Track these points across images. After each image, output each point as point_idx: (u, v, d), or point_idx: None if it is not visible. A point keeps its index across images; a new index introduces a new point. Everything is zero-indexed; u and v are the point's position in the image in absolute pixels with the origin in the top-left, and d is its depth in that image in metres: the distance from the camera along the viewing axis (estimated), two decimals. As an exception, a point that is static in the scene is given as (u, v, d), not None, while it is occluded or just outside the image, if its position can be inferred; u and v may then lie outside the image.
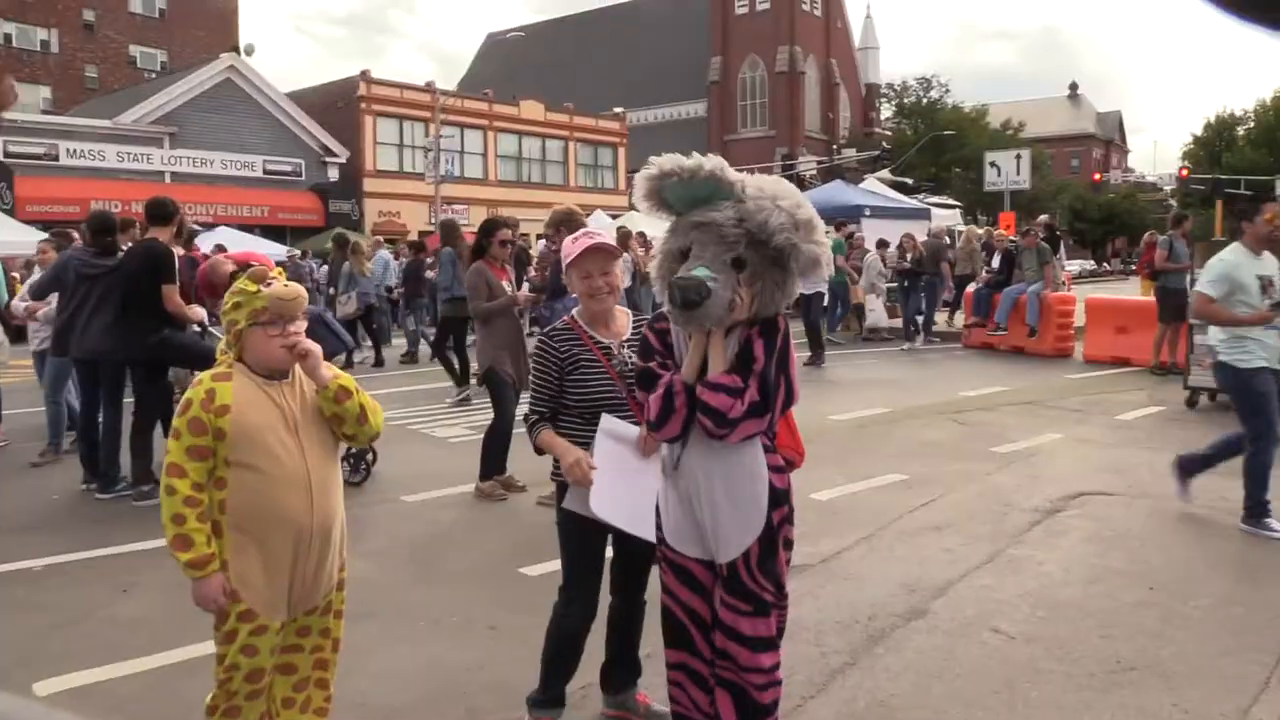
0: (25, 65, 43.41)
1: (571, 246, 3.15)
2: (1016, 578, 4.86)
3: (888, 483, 6.82)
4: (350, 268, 13.56)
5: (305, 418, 2.72)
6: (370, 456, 7.08)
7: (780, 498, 2.72)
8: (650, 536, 3.15)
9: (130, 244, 8.17)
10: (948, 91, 62.42)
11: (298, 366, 2.75)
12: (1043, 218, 17.56)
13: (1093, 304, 14.49)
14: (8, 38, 42.76)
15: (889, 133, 62.81)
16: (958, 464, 7.38)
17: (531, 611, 4.53)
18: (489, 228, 6.85)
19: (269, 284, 2.68)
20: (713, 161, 2.59)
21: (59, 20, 44.44)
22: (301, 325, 2.72)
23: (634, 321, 3.28)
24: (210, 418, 2.60)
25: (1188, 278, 11.31)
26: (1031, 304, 14.36)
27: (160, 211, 6.80)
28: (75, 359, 7.16)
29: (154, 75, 41.60)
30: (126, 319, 6.58)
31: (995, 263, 15.64)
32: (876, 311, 17.65)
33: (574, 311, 3.30)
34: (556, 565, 4.99)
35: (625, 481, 3.14)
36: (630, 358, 3.15)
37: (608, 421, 3.13)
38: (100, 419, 6.99)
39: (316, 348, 2.73)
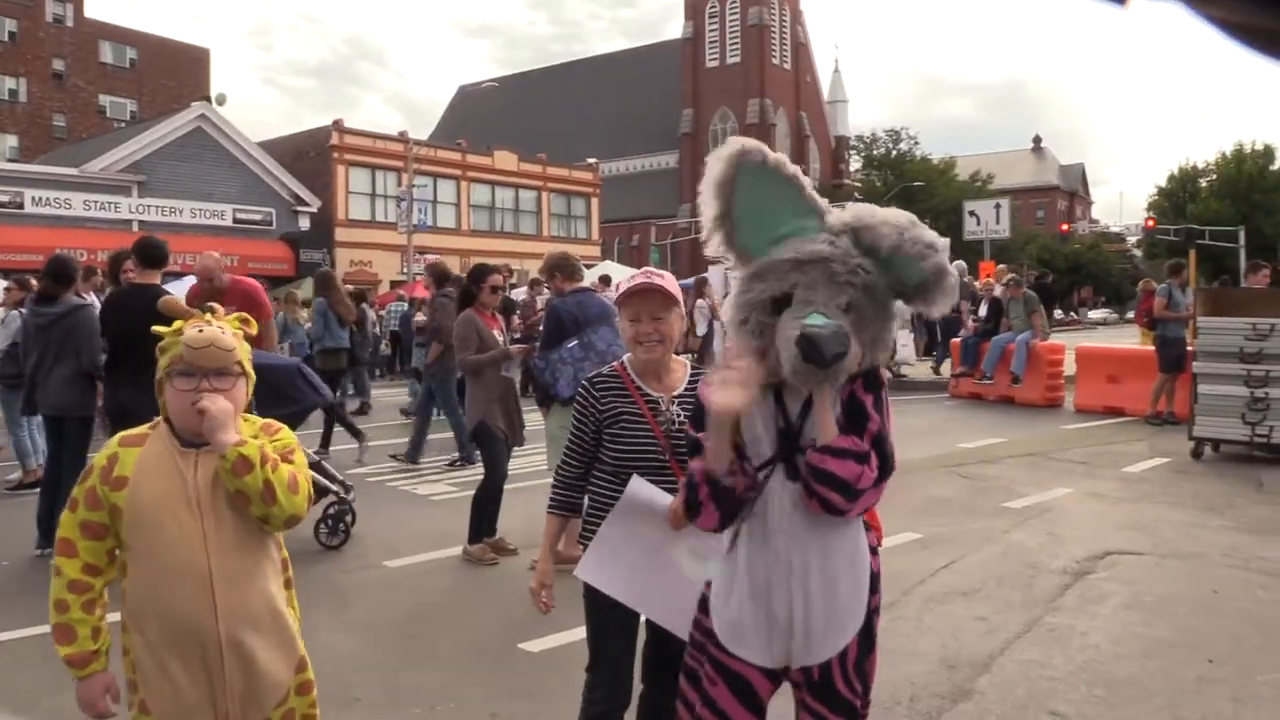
0: (-9, 114, 42.95)
1: (625, 285, 2.79)
2: (1063, 651, 4.47)
3: (903, 542, 6.43)
4: (284, 318, 13.17)
5: (216, 496, 2.23)
6: (350, 517, 6.61)
7: (875, 583, 2.29)
8: (674, 627, 2.74)
9: (105, 291, 7.72)
10: (916, 144, 63.25)
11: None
12: (1009, 275, 17.45)
13: (1083, 353, 14.29)
14: (-26, 86, 42.31)
15: (859, 184, 63.35)
16: (972, 521, 7.02)
17: (535, 696, 4.12)
18: (479, 274, 6.46)
19: (200, 329, 2.27)
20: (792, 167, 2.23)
21: (28, 69, 44.13)
22: (226, 382, 2.26)
23: (691, 374, 2.90)
24: (106, 490, 2.20)
25: (1186, 327, 11.10)
26: (1019, 353, 14.12)
27: (157, 254, 6.33)
28: (44, 414, 6.72)
29: (123, 124, 41.16)
30: (137, 370, 6.07)
31: (982, 311, 15.44)
32: (908, 347, 17.36)
33: (625, 359, 2.91)
34: (558, 640, 4.63)
35: (647, 559, 2.75)
36: (679, 415, 2.76)
37: (637, 485, 2.75)
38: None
39: (221, 406, 2.21)
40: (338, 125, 35.37)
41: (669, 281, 2.80)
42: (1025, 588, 5.47)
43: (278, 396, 5.95)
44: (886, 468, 2.15)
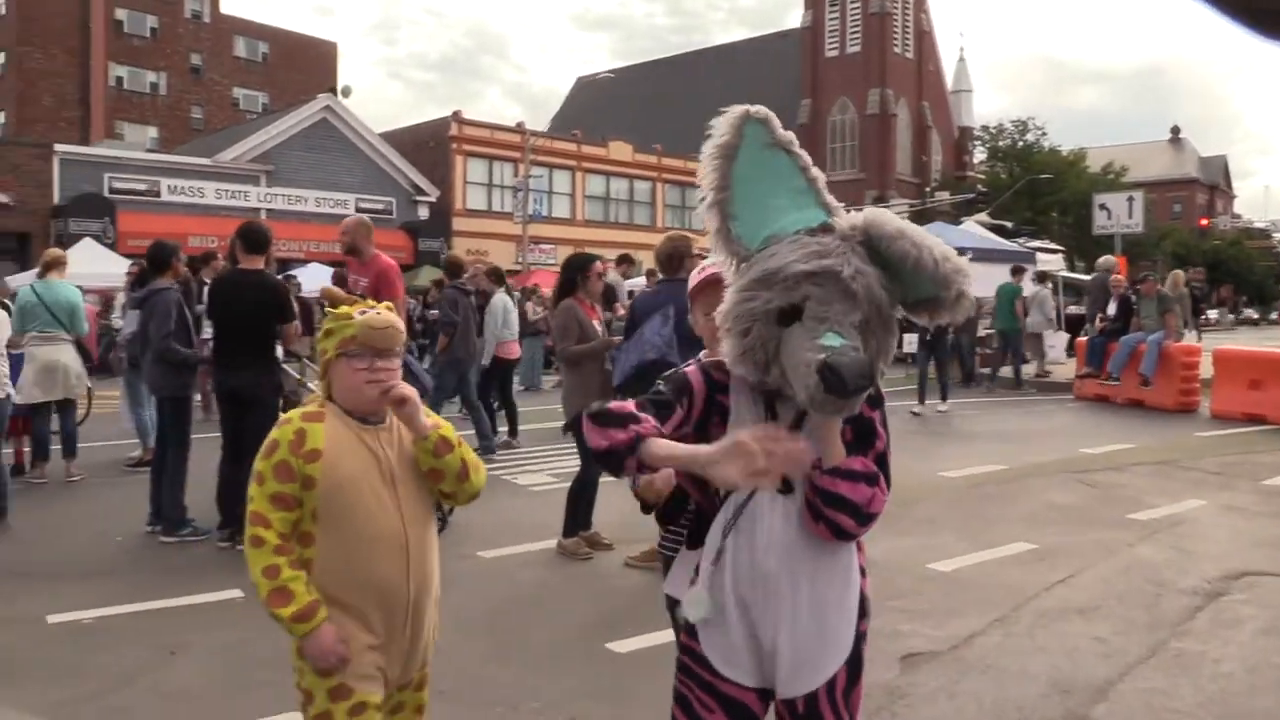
0: (135, 106, 45.16)
1: (696, 277, 2.61)
2: (1191, 680, 4.11)
3: (1016, 552, 6.09)
4: None
5: (403, 470, 2.36)
6: (448, 506, 6.60)
7: (865, 606, 2.12)
8: None
9: (215, 274, 7.92)
10: (1044, 134, 60.80)
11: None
12: (1175, 273, 16.57)
13: (1222, 355, 13.43)
14: (119, 81, 44.54)
15: (982, 176, 61.34)
16: (1093, 533, 6.60)
17: (618, 699, 3.99)
18: (583, 263, 6.35)
19: (364, 312, 2.38)
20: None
21: (168, 64, 46.21)
22: (394, 363, 2.37)
23: None
24: (299, 463, 2.26)
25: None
26: (1150, 354, 13.36)
27: (260, 239, 6.50)
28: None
29: (255, 116, 42.74)
30: (255, 355, 6.28)
31: (1111, 310, 14.67)
32: (1056, 349, 16.95)
33: (701, 355, 2.75)
34: (647, 641, 4.49)
35: None
36: None
37: None
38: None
39: (414, 392, 2.37)
40: (456, 116, 35.97)
41: None
42: (1150, 607, 5.09)
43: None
44: (889, 486, 2.04)
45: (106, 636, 4.69)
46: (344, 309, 2.40)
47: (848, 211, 2.05)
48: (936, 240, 1.94)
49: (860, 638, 2.09)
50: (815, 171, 2.06)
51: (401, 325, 2.41)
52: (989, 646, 4.52)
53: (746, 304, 1.93)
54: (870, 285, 1.89)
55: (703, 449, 1.91)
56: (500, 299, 10.39)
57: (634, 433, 1.92)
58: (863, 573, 2.12)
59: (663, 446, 1.94)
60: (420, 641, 2.41)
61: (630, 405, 2.00)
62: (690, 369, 2.15)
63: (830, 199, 2.05)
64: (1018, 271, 17.04)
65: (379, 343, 2.32)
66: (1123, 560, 5.97)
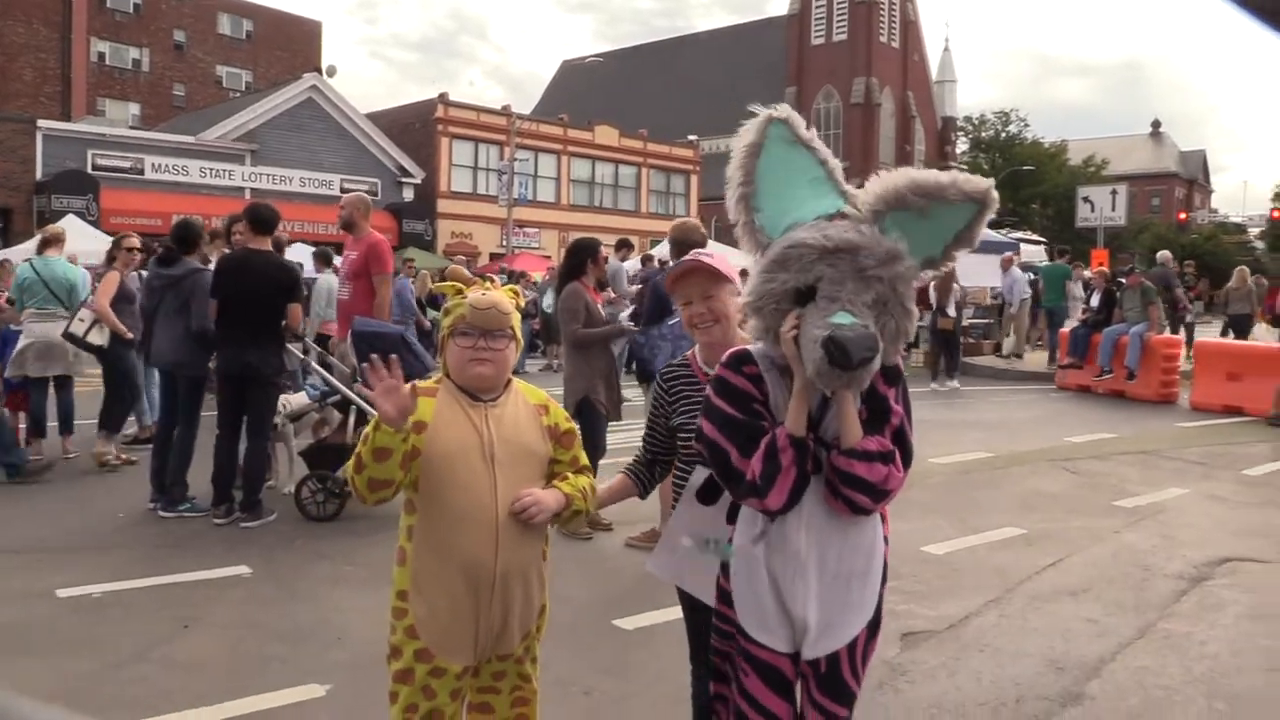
0: (117, 82, 44.65)
1: (673, 270, 2.74)
2: (1179, 660, 4.26)
3: (1006, 537, 6.24)
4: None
5: (507, 448, 2.42)
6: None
7: (885, 572, 2.28)
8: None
9: (220, 254, 7.91)
10: (1026, 126, 61.17)
11: (513, 387, 2.52)
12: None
13: (1202, 348, 13.67)
14: (101, 56, 43.98)
15: (964, 167, 61.65)
16: (1079, 519, 6.76)
17: (628, 674, 4.10)
18: (594, 247, 6.46)
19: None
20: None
21: (150, 40, 45.65)
22: (501, 342, 2.43)
23: None
24: (407, 430, 2.34)
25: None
26: (1133, 346, 13.56)
27: (272, 221, 6.53)
28: (159, 368, 7.00)
29: (239, 94, 42.37)
30: (262, 335, 6.34)
31: (1094, 301, 14.86)
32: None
33: (696, 349, 2.84)
34: (651, 618, 4.61)
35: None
36: None
37: (700, 476, 2.64)
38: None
39: (542, 508, 2.39)
40: (443, 98, 35.82)
41: (717, 260, 2.69)
42: (1137, 591, 5.24)
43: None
44: (907, 461, 2.16)
45: (118, 610, 4.75)
46: (461, 289, 2.47)
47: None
48: (941, 173, 2.09)
49: (880, 599, 2.26)
50: (834, 163, 2.20)
51: (506, 306, 2.43)
52: (985, 626, 4.66)
53: (766, 285, 2.08)
54: (884, 263, 2.02)
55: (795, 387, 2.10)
56: (326, 280, 11.12)
57: (779, 454, 2.06)
58: (885, 541, 2.26)
59: (793, 422, 2.10)
60: (512, 619, 2.43)
61: (751, 463, 2.09)
62: (731, 379, 2.21)
63: (847, 186, 2.18)
64: (1062, 253, 17.98)
65: (483, 323, 2.39)
66: (1110, 546, 6.13)
